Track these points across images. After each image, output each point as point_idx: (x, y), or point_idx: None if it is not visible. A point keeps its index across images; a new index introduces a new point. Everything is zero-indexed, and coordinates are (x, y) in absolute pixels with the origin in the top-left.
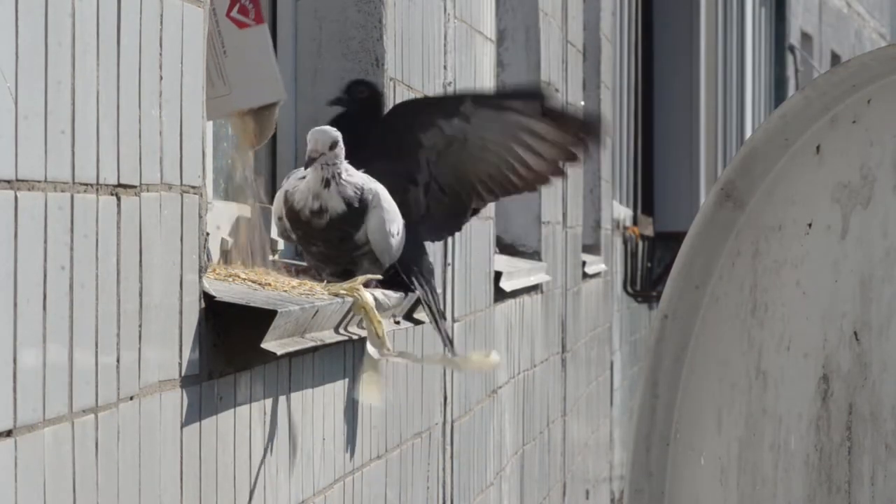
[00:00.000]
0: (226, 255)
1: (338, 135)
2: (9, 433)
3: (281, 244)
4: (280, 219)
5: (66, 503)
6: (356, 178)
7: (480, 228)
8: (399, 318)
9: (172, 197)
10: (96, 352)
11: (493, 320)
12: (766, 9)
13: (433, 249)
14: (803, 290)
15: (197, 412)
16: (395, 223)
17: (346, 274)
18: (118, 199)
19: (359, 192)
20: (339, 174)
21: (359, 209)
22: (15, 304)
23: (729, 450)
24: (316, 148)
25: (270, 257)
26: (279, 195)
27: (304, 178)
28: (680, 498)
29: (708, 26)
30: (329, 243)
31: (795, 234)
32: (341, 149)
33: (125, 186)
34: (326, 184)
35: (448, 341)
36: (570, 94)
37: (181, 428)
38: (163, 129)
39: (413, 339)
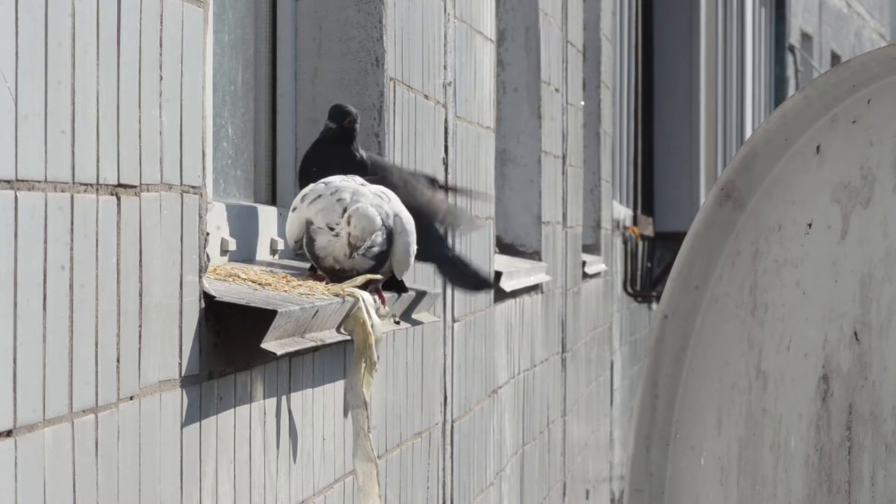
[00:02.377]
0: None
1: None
2: (9, 433)
3: (280, 244)
4: (297, 242)
5: (66, 503)
6: (380, 214)
7: (480, 228)
8: (399, 319)
9: (172, 197)
10: (96, 352)
11: (493, 320)
12: (766, 9)
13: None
14: (803, 290)
15: (197, 412)
16: (414, 241)
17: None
18: (118, 199)
19: (384, 232)
20: (370, 245)
21: (385, 252)
22: (15, 304)
23: (729, 450)
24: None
25: (270, 257)
26: (298, 219)
27: (331, 228)
28: (680, 498)
29: (708, 26)
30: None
31: (795, 234)
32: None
33: (125, 186)
34: (351, 254)
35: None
36: (570, 94)
37: (181, 428)
38: (163, 129)
39: (413, 338)
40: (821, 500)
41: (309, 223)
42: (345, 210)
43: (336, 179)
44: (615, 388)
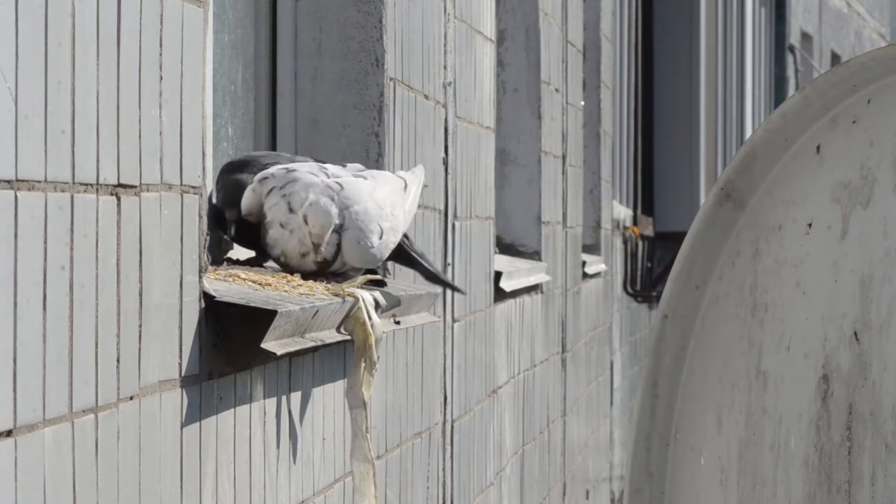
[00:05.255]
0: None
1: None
2: (9, 433)
3: None
4: (251, 215)
5: (66, 503)
6: (329, 216)
7: (480, 228)
8: (399, 318)
9: (172, 197)
10: (96, 352)
11: (493, 320)
12: (766, 9)
13: (434, 250)
14: (803, 290)
15: (197, 412)
16: (373, 231)
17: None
18: (118, 199)
19: (336, 235)
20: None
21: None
22: (15, 304)
23: (729, 450)
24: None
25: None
26: (255, 200)
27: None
28: (680, 498)
29: (708, 26)
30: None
31: (795, 234)
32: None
33: (125, 186)
34: (307, 254)
35: (449, 285)
36: (570, 94)
37: (181, 428)
38: (163, 129)
39: (413, 338)
40: (821, 500)
41: (262, 211)
42: (289, 206)
43: (300, 169)
44: (615, 388)
